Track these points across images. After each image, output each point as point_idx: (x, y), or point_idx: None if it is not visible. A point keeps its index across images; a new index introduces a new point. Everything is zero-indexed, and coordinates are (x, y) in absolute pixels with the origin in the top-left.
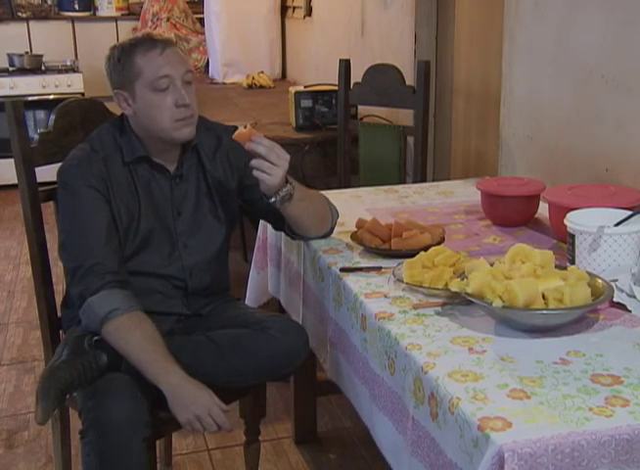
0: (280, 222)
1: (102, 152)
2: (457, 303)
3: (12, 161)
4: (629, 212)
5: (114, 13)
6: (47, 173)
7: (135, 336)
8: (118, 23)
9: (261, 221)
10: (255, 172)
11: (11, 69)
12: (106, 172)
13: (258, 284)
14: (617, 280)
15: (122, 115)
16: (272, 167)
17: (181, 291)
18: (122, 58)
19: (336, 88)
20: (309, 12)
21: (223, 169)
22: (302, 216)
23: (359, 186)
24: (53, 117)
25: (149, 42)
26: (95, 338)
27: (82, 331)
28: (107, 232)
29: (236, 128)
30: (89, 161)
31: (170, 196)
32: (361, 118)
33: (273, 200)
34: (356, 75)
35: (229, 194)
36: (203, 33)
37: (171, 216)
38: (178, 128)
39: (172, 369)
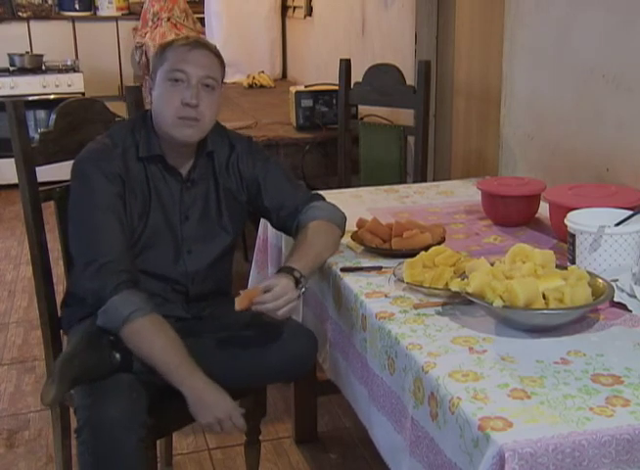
0: (281, 222)
1: (121, 146)
2: (458, 302)
3: (12, 160)
4: (630, 212)
5: (114, 12)
6: (47, 173)
7: (160, 338)
8: (119, 22)
9: (262, 221)
10: (283, 315)
11: (11, 68)
12: (123, 168)
13: (259, 284)
14: (617, 280)
15: (147, 110)
16: (286, 310)
17: (182, 296)
18: (160, 49)
19: (336, 88)
20: (310, 12)
21: (235, 180)
22: (320, 265)
23: (360, 186)
24: (53, 116)
25: (186, 40)
26: (111, 337)
27: (99, 328)
28: (120, 229)
29: (250, 139)
30: (108, 156)
31: (179, 199)
32: (361, 118)
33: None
34: (357, 75)
35: (238, 205)
36: (203, 33)
37: (178, 220)
38: (178, 126)
39: (197, 373)
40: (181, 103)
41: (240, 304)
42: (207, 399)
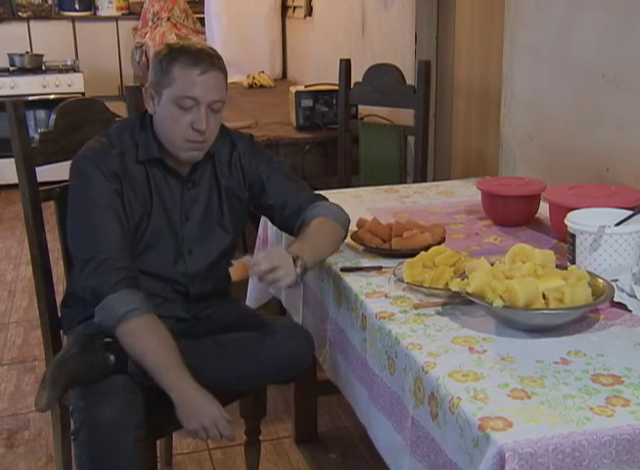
0: (283, 221)
1: (119, 147)
2: (458, 302)
3: (12, 160)
4: (630, 212)
5: (114, 12)
6: (47, 173)
7: (153, 339)
8: (119, 22)
9: (262, 221)
10: (274, 285)
11: (11, 68)
12: (121, 168)
13: (259, 284)
14: (617, 280)
15: (145, 111)
16: (283, 272)
17: (181, 296)
18: (164, 61)
19: (336, 88)
20: (310, 12)
21: (237, 178)
22: (322, 260)
23: (360, 186)
24: (53, 116)
25: (194, 58)
26: (106, 339)
27: (94, 330)
28: (119, 226)
29: (252, 137)
30: (106, 155)
31: (180, 200)
32: (361, 118)
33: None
34: (357, 75)
35: (239, 204)
36: (203, 33)
37: (179, 220)
38: (186, 149)
39: (186, 378)
40: (190, 127)
41: (235, 273)
42: (194, 404)
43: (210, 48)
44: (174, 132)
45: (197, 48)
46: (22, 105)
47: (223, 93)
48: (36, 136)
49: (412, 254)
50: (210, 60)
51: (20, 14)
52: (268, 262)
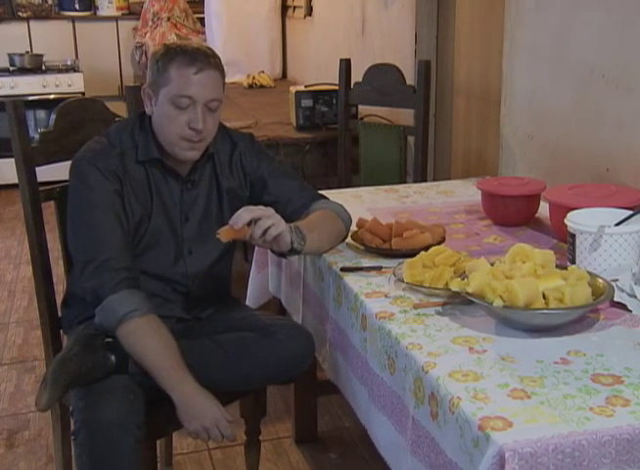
0: (286, 218)
1: (119, 147)
2: (458, 302)
3: (12, 160)
4: (630, 212)
5: (114, 12)
6: (47, 173)
7: (154, 339)
8: (119, 22)
9: None
10: (268, 235)
11: (11, 68)
12: (121, 168)
13: (259, 284)
14: (617, 280)
15: (144, 112)
16: (271, 222)
17: (182, 296)
18: (161, 61)
19: (336, 88)
20: (310, 11)
21: (238, 178)
22: (321, 247)
23: (360, 186)
24: (53, 116)
25: (190, 58)
26: (107, 339)
27: (95, 330)
28: (119, 227)
29: (252, 136)
30: (105, 155)
31: (180, 200)
32: (361, 118)
33: (292, 246)
34: (357, 75)
35: (240, 204)
36: (203, 33)
37: (179, 221)
38: (183, 148)
39: (187, 379)
40: (187, 126)
41: (223, 236)
42: (196, 405)
43: (207, 47)
44: (171, 132)
45: (193, 47)
46: (22, 105)
47: (220, 92)
48: (36, 136)
49: (412, 254)
50: (206, 59)
51: (20, 14)
52: (249, 213)
